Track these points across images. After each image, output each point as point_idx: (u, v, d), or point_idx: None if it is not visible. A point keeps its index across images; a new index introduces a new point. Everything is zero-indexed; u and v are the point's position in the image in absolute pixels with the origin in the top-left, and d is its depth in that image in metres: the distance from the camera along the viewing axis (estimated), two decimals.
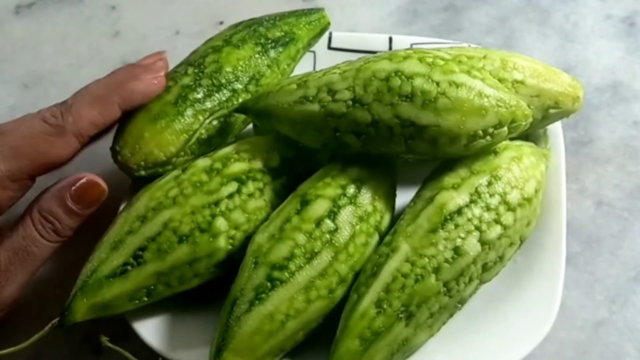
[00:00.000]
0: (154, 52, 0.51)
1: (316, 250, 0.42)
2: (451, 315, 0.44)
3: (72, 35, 0.69)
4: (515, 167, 0.45)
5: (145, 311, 0.45)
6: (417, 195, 0.46)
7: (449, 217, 0.43)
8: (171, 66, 0.53)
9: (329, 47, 0.59)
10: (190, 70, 0.50)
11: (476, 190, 0.43)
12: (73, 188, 0.45)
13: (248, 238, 0.45)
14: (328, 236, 0.43)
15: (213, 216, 0.44)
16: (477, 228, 0.43)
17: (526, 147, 0.47)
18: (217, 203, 0.45)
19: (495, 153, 0.45)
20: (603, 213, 0.54)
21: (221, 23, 0.68)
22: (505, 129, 0.44)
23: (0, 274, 0.44)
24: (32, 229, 0.44)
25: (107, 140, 0.49)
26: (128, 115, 0.49)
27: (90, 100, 0.46)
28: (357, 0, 0.70)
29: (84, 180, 0.46)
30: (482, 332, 0.45)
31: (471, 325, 0.45)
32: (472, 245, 0.42)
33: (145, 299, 0.44)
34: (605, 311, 0.50)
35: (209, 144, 0.50)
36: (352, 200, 0.45)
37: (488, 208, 0.43)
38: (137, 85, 0.48)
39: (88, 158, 0.57)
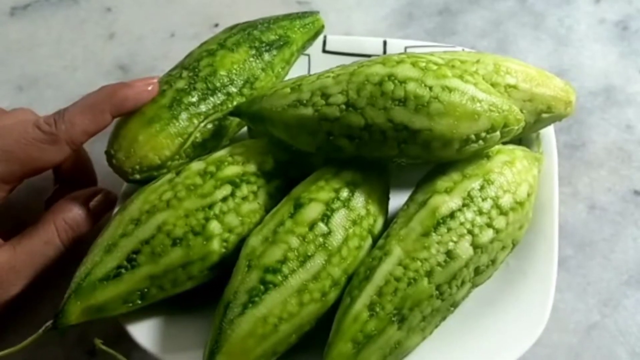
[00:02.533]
0: (146, 77, 0.51)
1: (309, 254, 0.43)
2: (444, 319, 0.44)
3: (68, 37, 0.69)
4: (508, 171, 0.45)
5: (139, 314, 0.46)
6: (410, 198, 0.47)
7: (441, 221, 0.43)
8: (166, 69, 0.54)
9: (324, 51, 0.59)
10: (184, 73, 0.51)
11: (469, 194, 0.44)
12: (96, 199, 0.49)
13: (242, 241, 0.45)
14: (321, 239, 0.43)
15: (207, 219, 0.44)
16: (470, 232, 0.43)
17: (519, 151, 0.47)
18: (211, 206, 0.45)
19: (488, 157, 0.46)
20: (595, 217, 0.54)
21: (216, 25, 0.68)
22: (498, 133, 0.44)
23: (15, 273, 0.46)
24: (56, 236, 0.47)
25: (102, 144, 0.50)
26: (123, 119, 0.49)
27: (82, 108, 0.47)
28: (352, 3, 0.70)
29: (97, 188, 0.50)
30: (474, 335, 0.45)
31: (463, 328, 0.46)
32: (464, 249, 0.42)
33: (139, 301, 0.44)
34: (597, 314, 0.50)
35: (203, 147, 0.50)
36: (346, 204, 0.45)
37: (480, 212, 0.43)
38: (128, 92, 0.48)
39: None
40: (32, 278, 0.46)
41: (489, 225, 0.43)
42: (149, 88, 0.49)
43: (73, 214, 0.48)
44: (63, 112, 0.47)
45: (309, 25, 0.56)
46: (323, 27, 0.58)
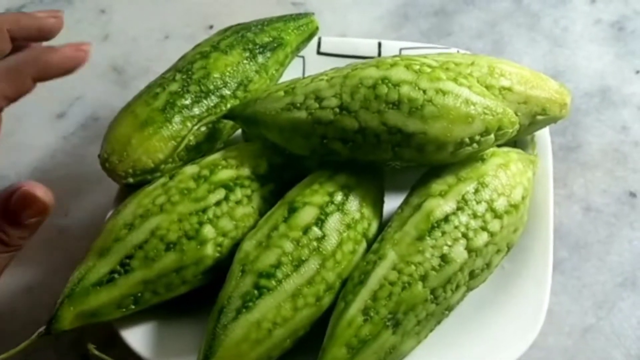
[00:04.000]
0: (51, 10, 0.48)
1: (303, 258, 0.42)
2: (438, 322, 0.44)
3: (62, 38, 0.68)
4: (502, 174, 0.45)
5: (133, 319, 0.45)
6: (405, 202, 0.46)
7: (436, 225, 0.43)
8: (160, 71, 0.53)
9: (318, 52, 0.59)
10: (178, 76, 0.50)
11: (463, 198, 0.44)
12: (11, 201, 0.39)
13: (236, 245, 0.45)
14: (315, 244, 0.43)
15: (200, 223, 0.44)
16: (464, 235, 0.43)
17: (513, 153, 0.47)
18: (204, 210, 0.45)
19: (483, 160, 0.46)
20: (591, 219, 0.54)
21: (211, 27, 0.68)
22: (492, 136, 0.44)
23: None
24: None
25: (95, 147, 0.49)
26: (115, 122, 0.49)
27: (2, 71, 0.43)
28: (347, 3, 0.70)
29: (18, 193, 0.40)
30: (469, 339, 0.45)
31: (459, 331, 0.46)
32: (459, 253, 0.42)
33: (133, 306, 0.44)
34: (592, 317, 0.50)
35: (197, 151, 0.50)
36: (340, 208, 0.45)
37: (475, 215, 0.43)
38: (54, 58, 0.44)
39: (76, 165, 0.57)
40: None
41: (484, 229, 0.43)
42: (78, 53, 0.45)
43: None
44: None
45: (303, 27, 0.56)
46: (317, 28, 0.57)
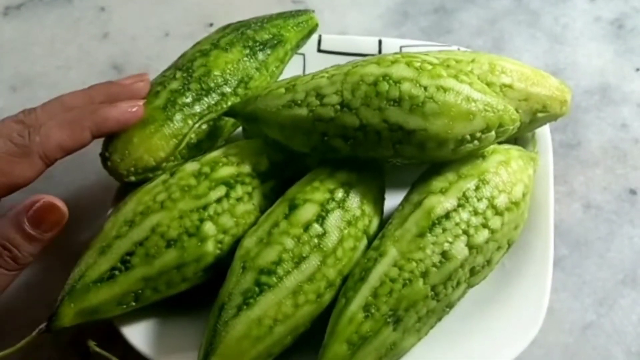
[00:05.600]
0: (137, 74, 0.50)
1: (304, 255, 0.42)
2: (439, 319, 0.44)
3: (61, 37, 0.68)
4: (503, 171, 0.45)
5: (133, 316, 0.45)
6: (406, 199, 0.46)
7: (436, 222, 0.43)
8: (160, 69, 0.53)
9: (319, 50, 0.59)
10: (178, 74, 0.50)
11: (464, 195, 0.44)
12: (30, 212, 0.42)
13: (236, 242, 0.45)
14: (316, 240, 0.43)
15: (201, 220, 0.44)
16: (465, 232, 0.43)
17: (514, 150, 0.47)
18: (205, 207, 0.45)
19: (483, 157, 0.46)
20: (591, 216, 0.54)
21: (211, 25, 0.68)
22: (493, 133, 0.44)
23: None
24: None
25: (97, 146, 0.49)
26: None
27: (61, 122, 0.45)
28: (347, 1, 0.70)
29: (40, 203, 0.42)
30: (470, 336, 0.45)
31: (459, 328, 0.46)
32: (459, 250, 0.42)
33: (133, 303, 0.44)
34: (593, 314, 0.50)
35: (198, 148, 0.50)
36: (341, 205, 0.45)
37: (476, 212, 0.43)
38: (111, 113, 0.46)
39: (77, 163, 0.57)
40: None
41: (485, 226, 0.43)
42: (134, 110, 0.47)
43: (4, 234, 0.41)
44: (40, 124, 0.45)
45: (303, 24, 0.56)
46: (317, 25, 0.57)
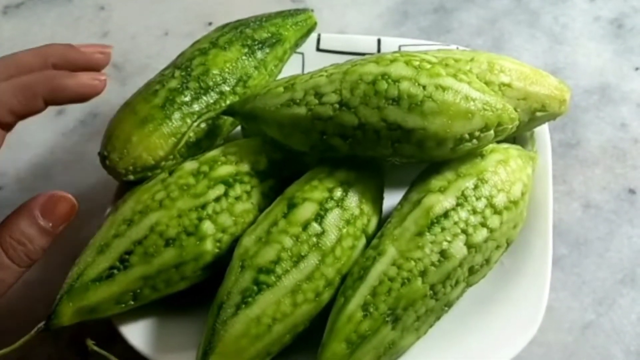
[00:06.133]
0: (100, 45, 0.48)
1: (303, 254, 0.42)
2: (438, 318, 0.44)
3: (61, 35, 0.68)
4: (502, 170, 0.45)
5: (132, 314, 0.45)
6: (404, 198, 0.46)
7: (435, 221, 0.43)
8: (160, 67, 0.53)
9: (318, 49, 0.59)
10: (177, 73, 0.50)
11: (462, 194, 0.44)
12: (42, 205, 0.42)
13: (235, 241, 0.45)
14: (315, 239, 0.43)
15: (200, 219, 0.44)
16: (464, 231, 0.43)
17: (513, 149, 0.47)
18: (204, 206, 0.45)
19: (482, 156, 0.46)
20: (590, 215, 0.54)
21: (210, 24, 0.68)
22: (492, 132, 0.44)
23: None
24: (2, 255, 0.41)
25: (94, 144, 0.49)
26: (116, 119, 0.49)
27: (14, 86, 0.43)
28: (346, 1, 0.70)
29: (50, 196, 0.42)
30: (469, 335, 0.45)
31: (458, 327, 0.46)
32: (458, 249, 0.42)
33: (132, 302, 0.44)
34: (592, 313, 0.50)
35: (197, 147, 0.50)
36: (339, 204, 0.45)
37: (474, 211, 0.43)
38: (69, 83, 0.44)
39: (76, 162, 0.57)
40: None
41: (483, 225, 0.43)
42: (93, 82, 0.44)
43: (19, 227, 0.41)
44: None
45: (302, 23, 0.56)
46: (316, 24, 0.57)
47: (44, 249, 0.42)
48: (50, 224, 0.42)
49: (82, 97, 0.45)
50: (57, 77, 0.44)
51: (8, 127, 0.43)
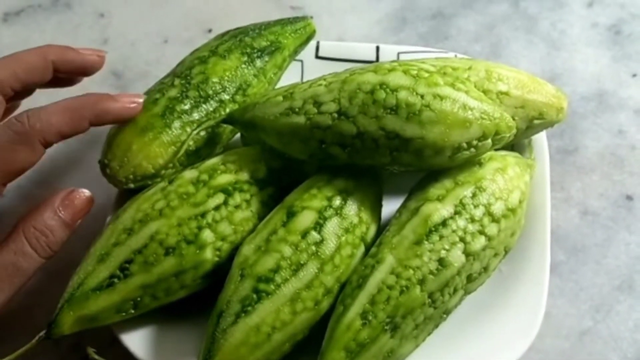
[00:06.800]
0: (96, 49, 0.52)
1: (302, 262, 0.43)
2: (436, 326, 0.44)
3: (61, 42, 0.67)
4: (500, 178, 0.45)
5: (132, 322, 0.46)
6: (403, 206, 0.47)
7: (433, 229, 0.43)
8: (159, 74, 0.54)
9: (317, 57, 0.59)
10: (176, 81, 0.51)
11: (461, 202, 0.44)
12: (62, 200, 0.45)
13: (235, 249, 0.45)
14: (314, 248, 0.43)
15: (199, 228, 0.45)
16: (462, 239, 0.43)
17: (511, 157, 0.47)
18: (203, 215, 0.45)
19: (480, 164, 0.46)
20: (588, 222, 0.54)
21: (210, 31, 0.68)
22: (489, 140, 0.44)
23: None
24: (26, 244, 0.44)
25: (96, 153, 0.49)
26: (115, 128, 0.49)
27: (63, 109, 0.46)
28: (345, 7, 0.70)
29: (70, 191, 0.46)
30: (467, 342, 0.46)
31: (456, 334, 0.46)
32: (456, 257, 0.42)
33: (132, 311, 0.45)
34: (589, 320, 0.50)
35: (197, 155, 0.50)
36: (338, 212, 0.45)
37: (472, 219, 0.43)
38: (112, 105, 0.48)
39: (76, 170, 0.58)
40: (9, 291, 0.44)
41: (481, 233, 0.43)
42: (132, 105, 0.48)
43: (42, 218, 0.45)
44: (39, 110, 0.46)
45: (301, 31, 0.56)
46: (314, 31, 0.58)
47: (63, 241, 0.45)
48: (70, 217, 0.45)
49: (123, 119, 0.49)
50: (101, 101, 0.47)
51: (49, 145, 0.46)
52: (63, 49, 0.50)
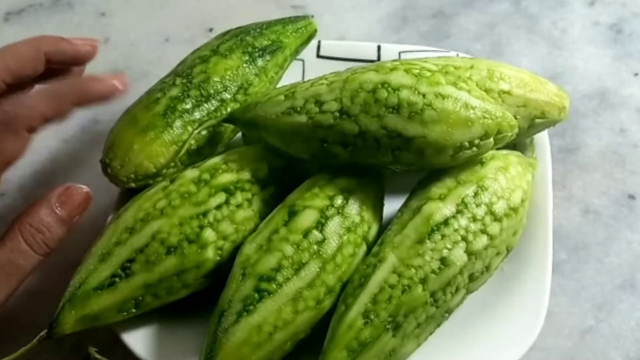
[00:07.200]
0: (89, 39, 0.51)
1: (304, 261, 0.43)
2: (438, 325, 0.44)
3: None
4: (502, 177, 0.45)
5: (134, 322, 0.46)
6: (405, 205, 0.47)
7: (435, 228, 0.43)
8: (160, 74, 0.54)
9: (318, 56, 0.59)
10: (178, 81, 0.51)
11: (462, 201, 0.44)
12: (59, 196, 0.45)
13: (236, 249, 0.45)
14: (316, 247, 0.43)
15: (201, 227, 0.44)
16: (464, 238, 0.43)
17: (513, 156, 0.47)
18: (205, 214, 0.45)
19: (482, 163, 0.46)
20: (590, 220, 0.54)
21: (211, 30, 0.68)
22: (491, 139, 0.44)
23: None
24: (22, 242, 0.44)
25: (97, 152, 0.49)
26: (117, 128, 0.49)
27: (44, 93, 0.46)
28: (346, 6, 0.70)
29: (67, 187, 0.46)
30: (469, 341, 0.46)
31: (459, 333, 0.46)
32: (458, 256, 0.42)
33: (134, 310, 0.45)
34: (591, 319, 0.50)
35: (198, 155, 0.50)
36: (340, 211, 0.45)
37: (474, 218, 0.43)
38: (94, 86, 0.47)
39: (77, 169, 0.58)
40: (7, 289, 0.43)
41: (483, 232, 0.43)
42: (116, 84, 0.48)
43: (38, 215, 0.44)
44: (21, 96, 0.45)
45: (302, 30, 0.56)
46: (316, 31, 0.57)
47: (60, 238, 0.45)
48: (67, 214, 0.45)
49: (107, 99, 0.48)
50: (84, 83, 0.47)
51: (35, 131, 0.46)
52: (55, 39, 0.50)
